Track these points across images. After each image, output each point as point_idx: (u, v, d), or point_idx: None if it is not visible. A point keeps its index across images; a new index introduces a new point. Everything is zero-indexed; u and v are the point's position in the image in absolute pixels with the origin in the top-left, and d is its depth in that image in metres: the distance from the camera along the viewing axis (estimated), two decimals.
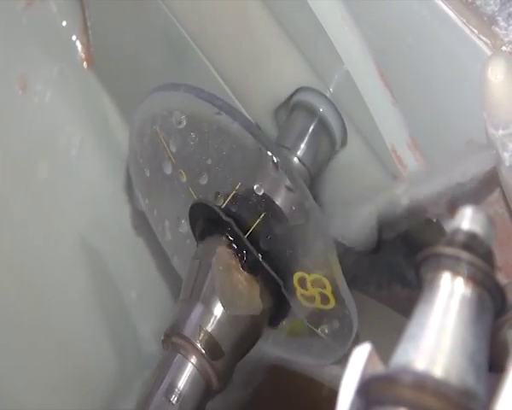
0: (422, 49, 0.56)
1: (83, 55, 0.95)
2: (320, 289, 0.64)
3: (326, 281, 0.63)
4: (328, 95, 0.67)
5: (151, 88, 0.68)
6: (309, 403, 0.78)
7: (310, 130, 0.69)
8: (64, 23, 0.94)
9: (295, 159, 0.68)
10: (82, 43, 0.95)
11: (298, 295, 0.65)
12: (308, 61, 0.66)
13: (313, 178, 0.69)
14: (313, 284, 0.64)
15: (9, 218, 0.89)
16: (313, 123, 0.69)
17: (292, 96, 0.70)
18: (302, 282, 0.64)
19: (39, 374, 0.90)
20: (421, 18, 0.55)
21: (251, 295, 0.64)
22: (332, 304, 0.64)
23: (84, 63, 0.95)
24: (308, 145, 0.69)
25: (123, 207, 0.98)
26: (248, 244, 0.64)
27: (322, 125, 0.68)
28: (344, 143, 0.69)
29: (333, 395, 0.39)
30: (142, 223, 0.99)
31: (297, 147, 0.69)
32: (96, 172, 0.96)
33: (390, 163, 0.65)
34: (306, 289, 0.65)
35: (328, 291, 0.64)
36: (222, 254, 0.64)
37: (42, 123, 0.92)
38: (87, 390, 0.95)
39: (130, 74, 0.90)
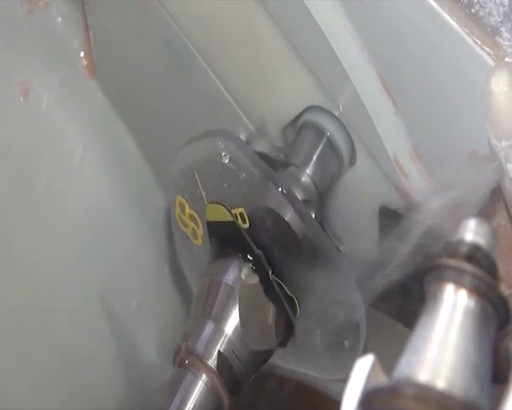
0: (426, 59, 0.56)
1: (85, 63, 0.95)
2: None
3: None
4: (335, 111, 0.67)
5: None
6: None
7: (318, 149, 0.69)
8: (66, 31, 0.94)
9: (304, 176, 0.69)
10: (84, 51, 0.95)
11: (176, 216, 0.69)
12: (315, 77, 0.66)
13: (322, 195, 0.70)
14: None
15: (11, 226, 0.89)
16: (321, 143, 0.69)
17: (300, 114, 0.71)
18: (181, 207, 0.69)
19: (38, 381, 0.90)
20: (424, 29, 0.55)
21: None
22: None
23: (86, 71, 0.95)
24: (317, 164, 0.69)
25: (125, 216, 0.98)
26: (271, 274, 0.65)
27: (330, 144, 0.69)
28: (353, 161, 0.69)
29: (336, 407, 0.39)
30: (142, 230, 0.99)
31: (306, 165, 0.69)
32: (99, 180, 0.96)
33: (392, 173, 0.64)
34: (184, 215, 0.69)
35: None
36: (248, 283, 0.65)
37: (43, 130, 0.92)
38: (85, 397, 0.95)
39: (132, 82, 0.90)
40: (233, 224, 0.66)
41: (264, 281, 0.65)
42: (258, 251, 0.65)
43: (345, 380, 0.39)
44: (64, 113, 0.94)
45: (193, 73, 0.78)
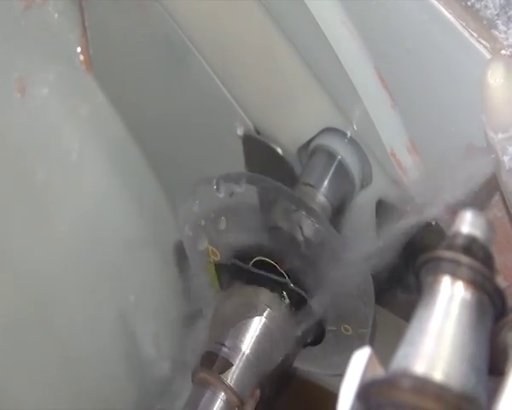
0: (422, 52, 0.56)
1: (82, 58, 0.95)
2: None
3: None
4: (350, 132, 0.68)
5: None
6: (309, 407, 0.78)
7: (330, 171, 0.71)
8: (63, 26, 0.94)
9: (320, 195, 0.70)
10: (81, 47, 0.94)
11: None
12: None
13: (336, 213, 0.71)
14: None
15: (8, 222, 0.89)
16: (333, 166, 0.71)
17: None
18: None
19: (37, 378, 0.90)
20: (420, 22, 0.55)
21: None
22: None
23: (84, 66, 0.95)
24: (330, 183, 0.71)
25: (123, 212, 0.98)
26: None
27: (342, 166, 0.70)
28: (365, 183, 0.70)
29: (333, 400, 0.39)
30: (141, 226, 0.99)
31: (320, 185, 0.71)
32: (97, 177, 0.96)
33: (389, 167, 0.65)
34: None
35: None
36: None
37: (40, 127, 0.92)
38: (84, 392, 0.95)
39: (129, 78, 0.90)
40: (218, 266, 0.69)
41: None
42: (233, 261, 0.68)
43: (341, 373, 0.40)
44: (61, 108, 0.93)
45: (190, 68, 0.78)
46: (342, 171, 0.70)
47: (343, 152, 0.70)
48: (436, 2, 0.54)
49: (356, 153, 0.69)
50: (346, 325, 0.66)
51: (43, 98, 0.92)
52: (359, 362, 0.40)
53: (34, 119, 0.92)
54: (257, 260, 0.67)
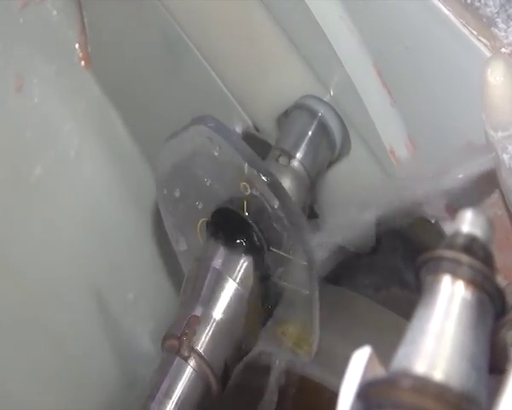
0: (421, 50, 0.56)
1: (80, 55, 0.95)
2: None
3: None
4: (328, 99, 0.67)
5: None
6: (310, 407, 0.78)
7: (309, 132, 0.69)
8: (61, 23, 0.94)
9: (295, 161, 0.68)
10: (79, 43, 0.94)
11: None
12: (310, 67, 0.66)
13: (313, 181, 0.70)
14: None
15: (6, 220, 0.89)
16: (313, 126, 0.69)
17: None
18: None
19: (34, 373, 0.90)
20: (419, 19, 0.55)
21: None
22: None
23: (82, 63, 0.95)
24: (307, 148, 0.69)
25: (121, 209, 0.98)
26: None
27: (322, 127, 0.68)
28: (347, 151, 0.69)
29: (334, 399, 0.39)
30: (139, 223, 0.99)
31: (296, 149, 0.69)
32: (95, 173, 0.96)
33: (388, 164, 0.65)
34: None
35: None
36: None
37: (39, 124, 0.92)
38: (83, 391, 0.95)
39: (127, 74, 0.90)
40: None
41: None
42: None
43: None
44: (60, 105, 0.93)
45: (188, 64, 0.78)
46: (322, 131, 0.68)
47: (323, 110, 0.68)
48: (436, 0, 0.53)
49: (337, 113, 0.68)
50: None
51: (42, 95, 0.92)
52: (359, 362, 0.40)
53: (32, 115, 0.92)
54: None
